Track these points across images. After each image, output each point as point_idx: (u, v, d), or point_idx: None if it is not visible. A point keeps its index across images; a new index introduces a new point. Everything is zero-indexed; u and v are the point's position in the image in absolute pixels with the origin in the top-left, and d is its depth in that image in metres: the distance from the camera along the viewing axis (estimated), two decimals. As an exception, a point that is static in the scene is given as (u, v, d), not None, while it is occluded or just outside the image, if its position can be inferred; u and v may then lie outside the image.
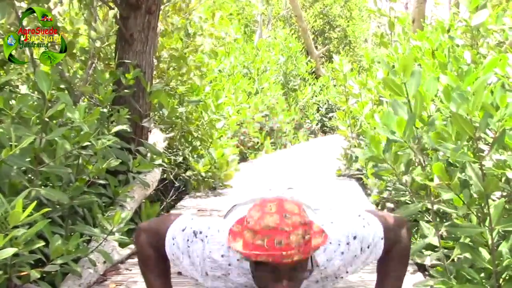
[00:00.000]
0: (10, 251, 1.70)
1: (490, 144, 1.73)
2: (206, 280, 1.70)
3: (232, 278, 1.67)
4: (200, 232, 1.67)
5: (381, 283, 1.80)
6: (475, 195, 1.80)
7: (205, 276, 1.68)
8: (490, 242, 1.75)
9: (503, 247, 1.77)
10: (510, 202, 1.96)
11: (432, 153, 2.02)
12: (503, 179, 1.86)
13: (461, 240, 2.05)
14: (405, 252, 1.77)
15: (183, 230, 1.69)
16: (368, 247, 1.68)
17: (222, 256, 1.63)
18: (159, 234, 1.72)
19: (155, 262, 1.76)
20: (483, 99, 1.58)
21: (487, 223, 1.75)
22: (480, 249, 1.82)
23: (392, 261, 1.76)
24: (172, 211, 4.33)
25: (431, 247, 2.41)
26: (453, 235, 2.18)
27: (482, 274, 1.90)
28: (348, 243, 1.65)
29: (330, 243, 1.63)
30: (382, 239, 1.69)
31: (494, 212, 1.71)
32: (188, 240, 1.67)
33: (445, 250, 2.19)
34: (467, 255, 1.87)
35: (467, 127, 1.58)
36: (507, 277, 1.82)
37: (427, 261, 2.35)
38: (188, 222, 1.71)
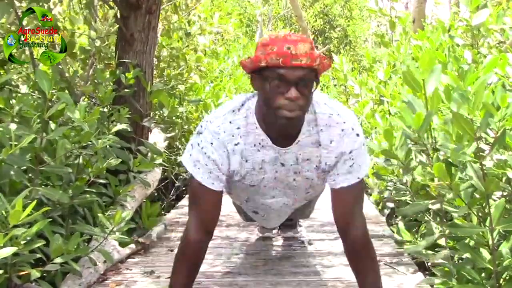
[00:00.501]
0: (10, 250, 1.70)
1: (491, 144, 1.73)
2: (230, 164, 1.80)
3: (242, 145, 1.76)
4: (201, 126, 1.79)
5: (365, 283, 1.85)
6: (476, 195, 1.80)
7: (229, 156, 1.78)
8: (490, 242, 1.75)
9: (504, 247, 1.76)
10: (511, 202, 1.96)
11: (433, 153, 2.02)
12: (503, 179, 1.86)
13: (463, 240, 2.04)
14: (367, 244, 1.87)
15: (192, 148, 1.81)
16: (351, 163, 1.79)
17: (230, 122, 1.74)
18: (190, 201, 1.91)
19: (193, 256, 1.86)
20: (483, 99, 1.58)
21: (487, 223, 1.75)
22: (481, 249, 1.82)
23: (361, 257, 1.85)
24: (173, 211, 4.33)
25: (431, 247, 2.41)
26: (454, 235, 2.18)
27: (483, 274, 1.90)
28: (352, 129, 1.76)
29: (338, 114, 1.76)
30: (358, 178, 1.82)
31: (495, 212, 1.71)
32: (198, 144, 1.78)
33: (450, 250, 2.19)
34: (468, 255, 1.87)
35: (467, 127, 1.58)
36: (507, 277, 1.82)
37: (435, 260, 2.34)
38: (188, 146, 1.84)
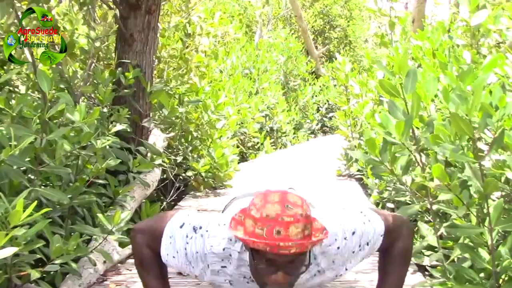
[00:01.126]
0: (10, 250, 1.70)
1: (489, 144, 1.73)
2: (203, 275, 1.68)
3: (229, 270, 1.65)
4: (200, 227, 1.65)
5: (383, 283, 1.80)
6: (475, 195, 1.80)
7: (205, 270, 1.66)
8: (489, 242, 1.75)
9: (503, 248, 1.77)
10: (510, 202, 1.96)
11: (433, 153, 2.02)
12: (502, 179, 1.86)
13: (461, 241, 2.05)
14: (406, 252, 1.77)
15: (181, 227, 1.66)
16: (367, 244, 1.67)
17: (224, 249, 1.62)
18: (156, 234, 1.68)
19: (153, 263, 1.73)
20: (482, 99, 1.57)
21: (486, 224, 1.75)
22: (480, 249, 1.82)
23: (393, 261, 1.77)
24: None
25: (431, 247, 2.42)
26: (452, 235, 2.18)
27: (482, 275, 1.90)
28: (345, 238, 1.64)
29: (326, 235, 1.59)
30: (381, 236, 1.69)
31: (494, 212, 1.71)
32: (187, 236, 1.65)
33: (445, 250, 2.19)
34: (466, 255, 1.87)
35: (466, 127, 1.58)
36: (506, 278, 1.82)
37: (426, 262, 2.35)
38: (185, 219, 1.68)
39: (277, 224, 1.40)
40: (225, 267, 1.65)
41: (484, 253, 1.80)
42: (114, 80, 3.52)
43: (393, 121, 1.83)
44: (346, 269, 1.72)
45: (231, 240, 1.61)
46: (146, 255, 1.72)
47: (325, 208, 1.80)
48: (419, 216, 2.85)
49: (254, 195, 1.57)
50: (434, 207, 2.04)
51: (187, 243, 1.64)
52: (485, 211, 1.75)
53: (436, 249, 2.29)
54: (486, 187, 1.64)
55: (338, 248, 1.64)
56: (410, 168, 2.10)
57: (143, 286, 1.78)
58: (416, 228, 2.88)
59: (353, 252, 1.67)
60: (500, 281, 1.81)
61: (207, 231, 1.64)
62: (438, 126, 1.78)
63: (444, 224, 1.95)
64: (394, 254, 1.75)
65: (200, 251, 1.63)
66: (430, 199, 2.03)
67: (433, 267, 2.39)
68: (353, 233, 1.65)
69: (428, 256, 2.36)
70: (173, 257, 1.66)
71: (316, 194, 4.97)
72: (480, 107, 1.58)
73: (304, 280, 1.66)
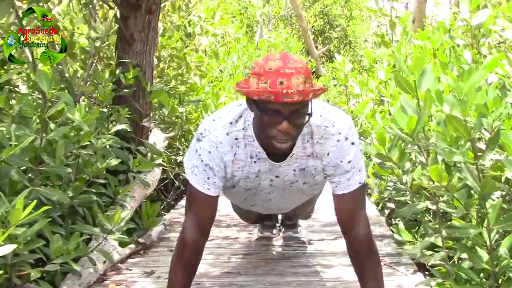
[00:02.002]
0: (9, 247, 1.69)
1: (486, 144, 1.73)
2: (228, 175, 1.84)
3: (240, 155, 1.79)
4: (201, 134, 1.80)
5: (365, 281, 1.85)
6: (475, 195, 1.79)
7: (226, 168, 1.82)
8: (488, 242, 1.75)
9: (502, 248, 1.76)
10: (509, 202, 1.95)
11: (433, 153, 2.02)
12: (502, 179, 1.86)
13: (461, 241, 2.04)
14: (371, 242, 1.88)
15: (188, 159, 1.85)
16: (352, 167, 1.80)
17: (227, 134, 1.76)
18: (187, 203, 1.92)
19: (190, 257, 1.86)
20: (476, 100, 1.57)
21: (485, 224, 1.75)
22: (479, 249, 1.82)
23: (365, 257, 1.85)
24: (172, 211, 4.33)
25: (431, 247, 2.41)
26: (452, 236, 2.18)
27: (481, 275, 1.90)
28: (346, 139, 1.77)
29: (333, 125, 1.77)
30: (360, 183, 1.84)
31: (492, 212, 1.70)
32: (197, 151, 1.80)
33: (448, 250, 2.19)
34: (465, 255, 1.87)
35: (461, 128, 1.58)
36: (505, 278, 1.82)
37: (432, 261, 2.34)
38: (188, 154, 1.87)
39: (279, 76, 1.51)
40: (236, 153, 1.80)
41: (483, 253, 1.80)
42: (114, 79, 3.52)
43: (405, 118, 1.84)
44: (325, 177, 1.86)
45: (231, 123, 1.77)
46: (191, 238, 1.86)
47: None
48: (419, 215, 2.85)
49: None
50: (435, 206, 2.04)
51: (200, 154, 1.79)
52: (484, 211, 1.75)
53: (436, 249, 2.29)
54: (483, 187, 1.64)
55: (338, 141, 1.77)
56: (410, 168, 2.10)
57: (169, 278, 1.90)
58: (417, 228, 2.88)
59: (341, 161, 1.79)
60: (499, 281, 1.81)
61: (207, 130, 1.78)
62: (433, 126, 1.78)
63: (444, 226, 1.95)
64: (360, 250, 1.85)
65: (213, 150, 1.77)
66: (432, 199, 2.03)
67: (433, 266, 2.38)
68: (353, 143, 1.79)
69: (430, 256, 2.35)
70: (204, 181, 1.82)
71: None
72: (475, 107, 1.58)
73: (297, 163, 1.82)
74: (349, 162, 1.80)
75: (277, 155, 1.80)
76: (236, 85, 1.65)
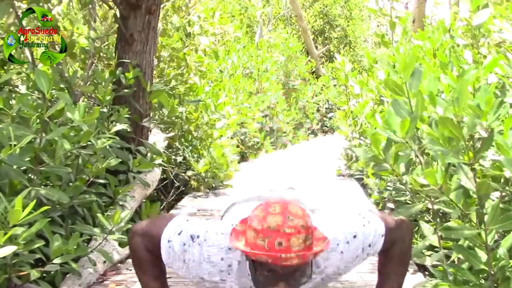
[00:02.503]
0: (10, 249, 1.69)
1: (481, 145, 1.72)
2: (200, 284, 1.67)
3: (230, 281, 1.64)
4: (198, 236, 1.63)
5: (382, 283, 1.81)
6: (474, 196, 1.79)
7: (201, 281, 1.65)
8: (486, 243, 1.75)
9: (501, 248, 1.76)
10: (508, 202, 1.95)
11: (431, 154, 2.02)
12: (502, 180, 1.85)
13: (461, 242, 2.04)
14: (406, 253, 1.78)
15: (179, 234, 1.64)
16: (369, 246, 1.68)
17: (222, 259, 1.60)
18: (154, 237, 1.67)
19: (151, 265, 1.72)
20: (468, 101, 1.56)
21: (483, 224, 1.74)
22: (477, 250, 1.82)
23: (392, 261, 1.77)
24: (172, 211, 4.33)
25: (431, 247, 2.41)
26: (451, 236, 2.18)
27: (480, 275, 1.90)
28: (347, 242, 1.64)
29: (330, 241, 1.58)
30: (382, 236, 1.69)
31: (489, 213, 1.70)
32: (184, 244, 1.63)
33: (446, 251, 2.19)
34: (463, 256, 1.87)
35: (454, 129, 1.57)
36: (504, 278, 1.81)
37: (427, 262, 2.34)
38: (183, 225, 1.66)
39: (278, 236, 1.39)
40: (224, 280, 1.63)
41: (482, 254, 1.80)
42: (114, 80, 3.52)
43: (397, 119, 1.83)
44: (350, 270, 1.73)
45: (230, 249, 1.60)
46: (144, 256, 1.71)
47: (325, 213, 1.80)
48: (419, 216, 2.85)
49: (253, 199, 1.56)
50: (435, 207, 2.04)
51: (185, 251, 1.62)
52: (482, 212, 1.74)
53: (436, 249, 2.29)
54: (479, 188, 1.63)
55: (342, 252, 1.64)
56: (410, 168, 2.09)
57: (142, 287, 1.78)
58: (417, 228, 2.88)
59: (357, 255, 1.67)
60: (498, 282, 1.81)
61: (204, 240, 1.62)
62: (427, 128, 1.77)
63: (441, 227, 1.95)
64: (393, 254, 1.75)
65: (196, 260, 1.61)
66: (432, 199, 2.03)
67: (434, 267, 2.39)
68: (355, 236, 1.65)
69: (429, 256, 2.35)
70: (174, 261, 1.65)
71: (316, 194, 4.97)
72: (468, 108, 1.57)
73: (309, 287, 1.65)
74: (362, 250, 1.66)
75: None
76: (232, 235, 1.51)
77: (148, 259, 1.71)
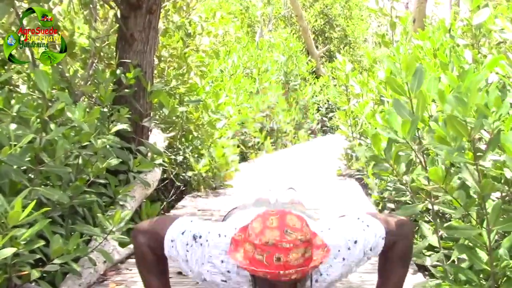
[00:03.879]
0: (9, 250, 1.70)
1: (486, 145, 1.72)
2: (204, 283, 1.68)
3: (232, 283, 1.64)
4: (200, 237, 1.65)
5: (383, 283, 1.81)
6: (475, 196, 1.79)
7: (203, 281, 1.67)
8: (487, 243, 1.74)
9: (502, 248, 1.76)
10: (509, 202, 1.95)
11: (433, 154, 2.01)
12: (502, 180, 1.85)
13: (461, 241, 2.04)
14: (406, 253, 1.77)
15: (182, 233, 1.67)
16: (371, 250, 1.68)
17: (222, 261, 1.61)
18: (157, 236, 1.69)
19: (154, 263, 1.75)
20: (477, 100, 1.56)
21: (485, 224, 1.74)
22: (478, 250, 1.81)
23: (393, 262, 1.76)
24: (172, 211, 4.33)
25: (431, 248, 2.41)
26: (452, 236, 2.18)
27: (481, 275, 1.90)
28: (349, 248, 1.64)
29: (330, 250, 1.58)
30: (383, 239, 1.69)
31: (492, 213, 1.70)
32: (187, 244, 1.65)
33: (446, 251, 2.18)
34: (465, 256, 1.86)
35: (461, 129, 1.57)
36: (505, 278, 1.81)
37: (428, 262, 2.34)
38: (187, 225, 1.69)
39: (276, 251, 1.38)
40: (225, 281, 1.63)
41: (482, 254, 1.80)
42: (114, 79, 3.52)
43: (399, 119, 1.82)
44: (353, 273, 1.73)
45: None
46: (147, 255, 1.73)
47: (325, 218, 1.79)
48: (419, 216, 2.85)
49: (254, 205, 1.55)
50: (435, 207, 2.04)
51: (187, 251, 1.65)
52: (483, 212, 1.74)
53: (436, 249, 2.29)
54: (483, 188, 1.63)
55: (344, 259, 1.64)
56: (410, 168, 2.09)
57: (144, 285, 1.79)
58: (417, 228, 2.88)
59: (359, 260, 1.67)
60: (499, 282, 1.81)
61: (207, 240, 1.64)
62: (434, 126, 1.77)
63: (443, 226, 1.94)
64: (394, 254, 1.75)
65: (199, 260, 1.63)
66: (432, 199, 2.03)
67: (434, 267, 2.39)
68: (355, 242, 1.65)
69: (429, 256, 2.35)
70: (177, 260, 1.68)
71: (317, 194, 4.97)
72: (476, 108, 1.57)
73: None
74: (364, 254, 1.66)
75: None
76: (230, 248, 1.50)
77: (151, 257, 1.73)
